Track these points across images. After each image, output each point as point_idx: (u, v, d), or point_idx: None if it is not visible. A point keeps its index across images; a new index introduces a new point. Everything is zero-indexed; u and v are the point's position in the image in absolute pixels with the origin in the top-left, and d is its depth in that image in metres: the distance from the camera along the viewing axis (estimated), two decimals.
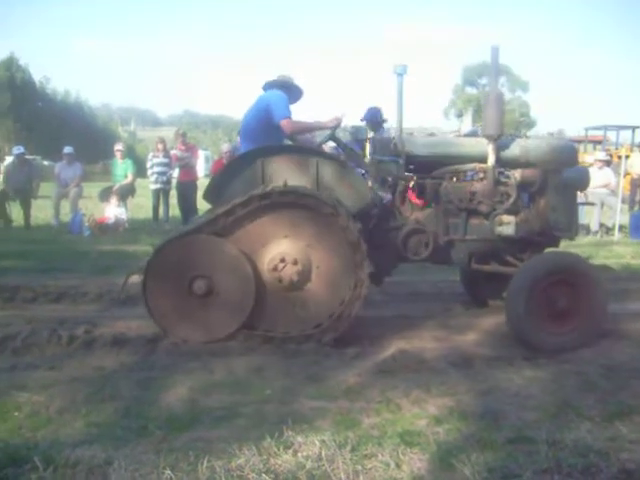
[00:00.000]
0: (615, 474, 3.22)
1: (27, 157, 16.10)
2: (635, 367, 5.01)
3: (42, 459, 3.24)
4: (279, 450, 3.45)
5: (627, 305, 7.16)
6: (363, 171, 6.27)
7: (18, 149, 14.77)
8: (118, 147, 14.37)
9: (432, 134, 7.60)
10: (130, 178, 14.06)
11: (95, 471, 3.22)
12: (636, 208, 15.76)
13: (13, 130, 39.63)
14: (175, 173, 14.16)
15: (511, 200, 5.91)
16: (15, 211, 14.15)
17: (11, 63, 44.19)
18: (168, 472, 3.17)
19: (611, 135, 29.68)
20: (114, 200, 13.22)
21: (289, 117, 5.96)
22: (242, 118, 6.44)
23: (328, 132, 6.31)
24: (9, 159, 16.68)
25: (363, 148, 6.77)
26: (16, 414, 3.97)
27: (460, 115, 55.46)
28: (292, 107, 6.22)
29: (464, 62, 67.87)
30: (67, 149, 14.33)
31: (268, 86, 6.26)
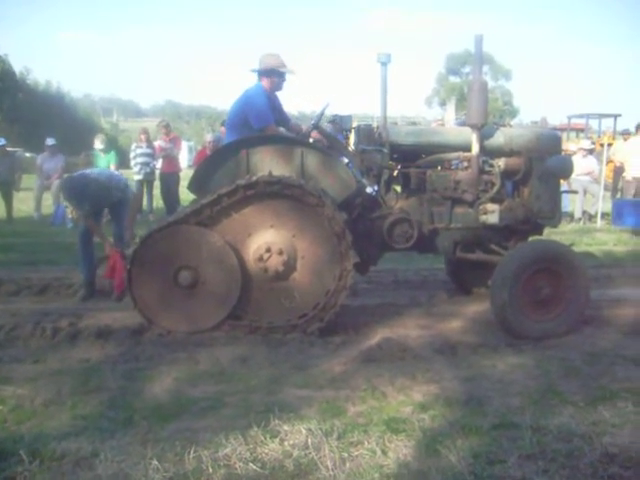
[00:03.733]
0: (598, 458, 3.27)
1: (9, 149, 15.91)
2: (617, 353, 5.08)
3: (28, 452, 3.24)
4: (266, 439, 3.46)
5: (609, 292, 7.23)
6: (347, 160, 6.27)
7: None
8: (98, 146, 13.86)
9: (413, 123, 7.59)
10: (113, 168, 13.85)
11: (82, 463, 3.22)
12: (618, 195, 15.86)
13: None
14: (158, 164, 14.02)
15: (495, 188, 5.94)
16: None
17: None
18: (155, 463, 3.18)
19: (593, 123, 29.86)
20: None
21: (268, 125, 5.96)
22: (229, 109, 6.43)
23: (313, 122, 6.30)
24: None
25: (347, 138, 6.76)
26: (0, 407, 3.95)
27: (443, 104, 55.44)
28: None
29: (447, 51, 68.03)
30: (49, 141, 14.15)
31: (257, 72, 6.20)
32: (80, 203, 6.78)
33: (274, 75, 6.15)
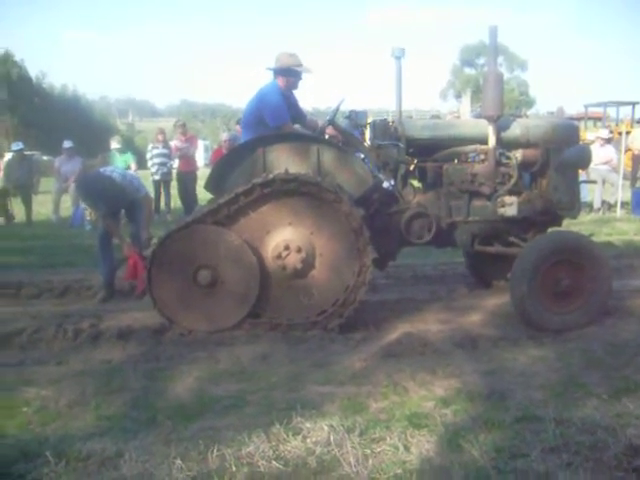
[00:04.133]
0: (622, 450, 3.24)
1: (26, 153, 16.07)
2: None
3: (53, 453, 3.26)
4: (288, 436, 3.47)
5: (631, 282, 7.17)
6: (363, 156, 6.26)
7: (17, 145, 14.73)
8: (115, 145, 14.02)
9: (436, 116, 7.55)
10: (133, 167, 13.88)
11: (106, 463, 3.24)
12: (638, 184, 15.69)
13: (11, 126, 39.54)
14: (175, 164, 14.09)
15: (513, 181, 5.90)
16: (16, 207, 14.15)
17: (6, 59, 43.93)
18: (178, 462, 3.19)
19: (611, 111, 29.52)
20: None
21: (284, 123, 5.95)
22: (244, 107, 6.43)
23: (328, 118, 6.29)
24: (8, 155, 16.59)
25: (362, 133, 6.74)
26: (25, 409, 3.99)
27: (459, 96, 55.15)
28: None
29: (462, 42, 67.58)
30: (66, 143, 14.25)
31: (273, 71, 6.19)
32: (95, 201, 6.87)
33: (290, 74, 6.13)
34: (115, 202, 6.94)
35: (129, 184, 6.98)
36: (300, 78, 6.23)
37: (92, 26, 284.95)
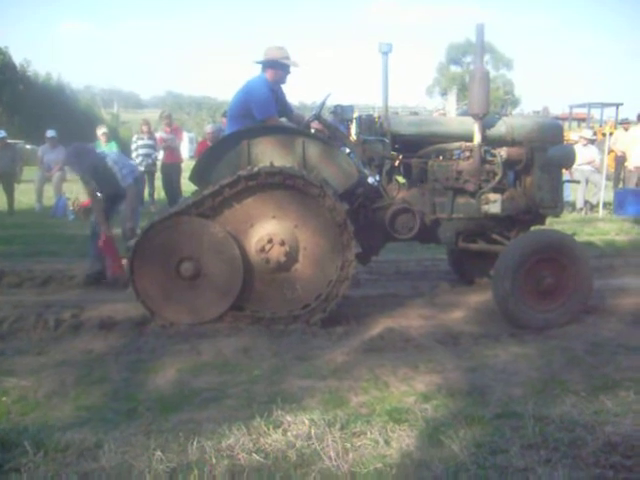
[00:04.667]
0: (600, 447, 3.27)
1: (9, 141, 15.89)
2: (620, 342, 5.08)
3: (32, 443, 3.24)
4: (269, 429, 3.46)
5: (612, 281, 7.23)
6: (348, 150, 6.26)
7: (0, 133, 14.57)
8: (102, 130, 14.04)
9: (415, 113, 7.57)
10: None
11: (85, 454, 3.22)
12: (620, 185, 15.82)
13: None
14: (160, 155, 14.04)
15: (497, 178, 5.93)
16: None
17: None
18: (158, 453, 3.18)
19: (595, 112, 29.75)
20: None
21: (271, 116, 5.93)
22: (231, 99, 6.40)
23: (314, 112, 6.28)
24: None
25: (348, 128, 6.74)
26: (4, 399, 3.96)
27: (444, 94, 55.19)
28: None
29: (448, 40, 67.61)
30: (50, 133, 14.14)
31: (261, 64, 6.17)
32: (80, 167, 6.75)
33: (278, 67, 6.11)
34: (101, 184, 6.86)
35: (118, 171, 6.91)
36: (288, 72, 6.21)
37: (77, 16, 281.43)
